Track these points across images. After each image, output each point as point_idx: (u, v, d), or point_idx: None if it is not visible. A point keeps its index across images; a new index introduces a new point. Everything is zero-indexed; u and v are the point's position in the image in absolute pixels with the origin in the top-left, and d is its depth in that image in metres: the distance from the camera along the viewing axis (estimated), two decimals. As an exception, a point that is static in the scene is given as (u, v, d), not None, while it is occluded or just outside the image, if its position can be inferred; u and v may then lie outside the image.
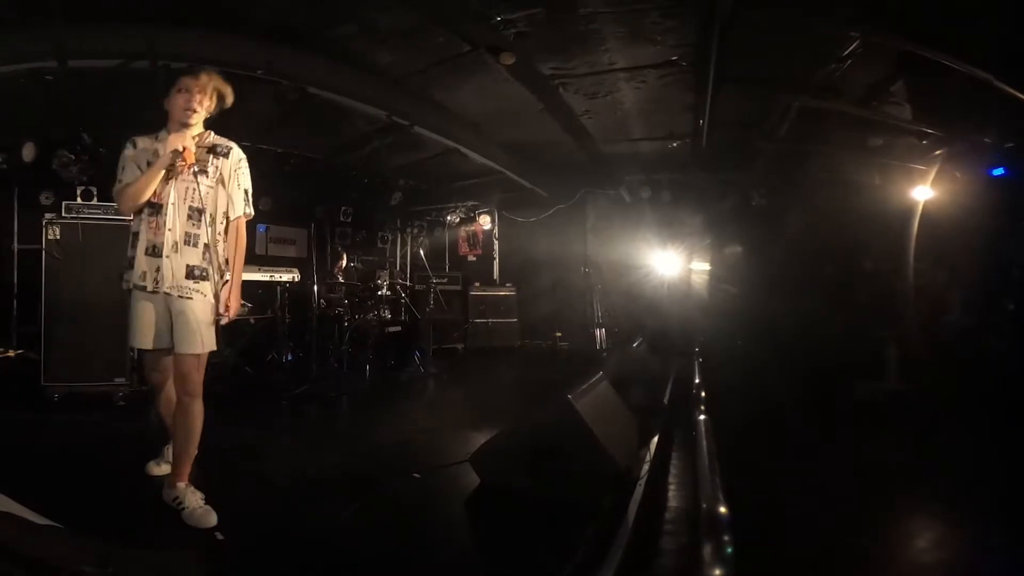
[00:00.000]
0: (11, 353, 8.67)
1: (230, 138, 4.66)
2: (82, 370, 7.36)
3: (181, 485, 4.05)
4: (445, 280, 13.67)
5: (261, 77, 7.23)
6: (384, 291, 10.33)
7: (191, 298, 4.15)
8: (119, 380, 7.41)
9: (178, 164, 4.12)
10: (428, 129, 9.36)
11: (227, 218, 4.45)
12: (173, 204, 4.14)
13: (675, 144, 11.17)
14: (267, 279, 8.74)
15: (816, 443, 6.42)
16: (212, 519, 3.82)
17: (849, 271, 10.82)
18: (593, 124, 10.14)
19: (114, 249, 7.37)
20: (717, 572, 2.08)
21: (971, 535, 4.18)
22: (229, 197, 4.45)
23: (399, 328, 11.06)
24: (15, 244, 9.13)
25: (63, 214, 7.59)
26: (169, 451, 4.56)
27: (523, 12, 6.40)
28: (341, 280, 10.26)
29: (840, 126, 8.85)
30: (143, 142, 4.26)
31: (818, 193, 11.06)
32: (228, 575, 3.28)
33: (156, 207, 4.13)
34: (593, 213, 14.69)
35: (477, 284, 14.03)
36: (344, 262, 10.61)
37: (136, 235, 4.17)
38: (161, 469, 4.69)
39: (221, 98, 4.47)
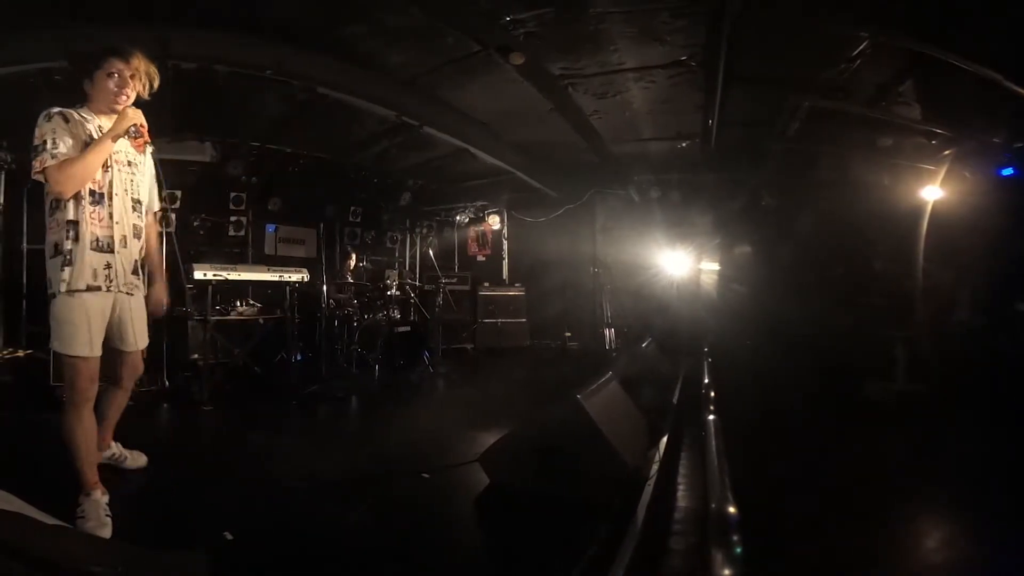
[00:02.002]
0: (20, 353, 8.70)
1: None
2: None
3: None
4: (454, 280, 13.70)
5: (271, 77, 7.26)
6: (393, 291, 10.34)
7: (133, 294, 4.13)
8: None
9: (135, 142, 4.01)
10: (437, 129, 9.39)
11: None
12: (118, 195, 3.95)
13: (684, 144, 11.16)
14: (276, 279, 8.74)
15: (825, 443, 6.40)
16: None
17: (858, 271, 10.78)
18: (602, 124, 10.14)
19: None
20: (726, 572, 2.08)
21: (981, 535, 4.17)
22: (151, 190, 4.39)
23: (408, 328, 11.05)
24: (24, 244, 9.15)
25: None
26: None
27: (532, 12, 6.40)
28: (350, 280, 10.27)
29: (849, 126, 8.83)
30: (74, 115, 3.82)
31: (827, 193, 11.05)
32: (237, 575, 3.29)
33: (98, 197, 3.86)
34: (602, 213, 14.69)
35: (486, 284, 14.05)
36: (353, 262, 10.63)
37: (74, 225, 3.77)
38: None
39: (150, 82, 4.10)
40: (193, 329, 8.57)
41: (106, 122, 3.93)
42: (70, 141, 3.71)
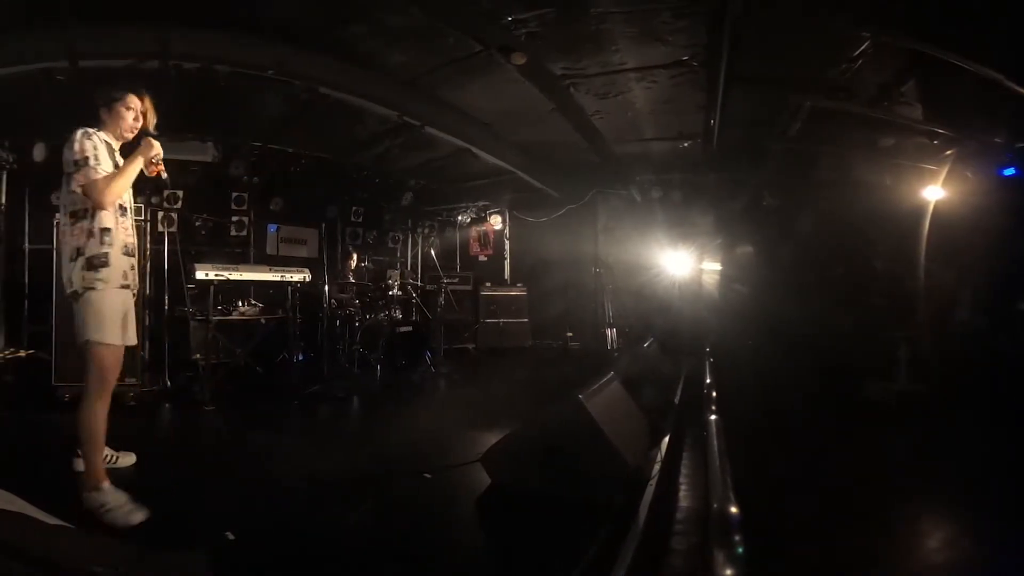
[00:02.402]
0: (22, 353, 8.71)
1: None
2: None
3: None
4: (456, 280, 13.71)
5: (272, 77, 7.26)
6: (395, 291, 10.34)
7: (135, 295, 4.61)
8: (130, 380, 7.42)
9: (151, 168, 4.53)
10: (439, 129, 9.40)
11: None
12: (129, 208, 4.55)
13: (686, 144, 11.17)
14: (278, 279, 8.72)
15: (827, 443, 6.40)
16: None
17: (860, 271, 10.78)
18: (604, 124, 10.14)
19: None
20: (728, 572, 2.08)
21: (982, 535, 4.17)
22: None
23: (410, 328, 11.06)
24: (26, 244, 9.17)
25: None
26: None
27: (534, 12, 6.41)
28: (352, 280, 10.28)
29: (851, 126, 8.83)
30: (104, 137, 4.40)
31: (829, 193, 11.05)
32: (238, 575, 3.29)
33: (123, 209, 4.46)
34: (604, 213, 14.70)
35: (488, 284, 14.06)
36: (355, 262, 10.64)
37: (107, 232, 4.25)
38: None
39: (148, 117, 4.69)
40: (195, 329, 8.59)
41: (115, 144, 4.50)
42: (108, 159, 4.31)
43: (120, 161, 4.43)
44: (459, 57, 7.59)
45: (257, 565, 3.41)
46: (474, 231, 15.77)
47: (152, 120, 4.68)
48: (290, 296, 8.96)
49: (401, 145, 10.30)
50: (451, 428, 6.74)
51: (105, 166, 4.22)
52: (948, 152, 8.51)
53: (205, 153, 9.70)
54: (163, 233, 9.79)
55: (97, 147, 4.22)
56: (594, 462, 4.20)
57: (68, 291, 4.23)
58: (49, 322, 7.44)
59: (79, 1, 6.03)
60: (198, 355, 8.34)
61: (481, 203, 14.96)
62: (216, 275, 7.95)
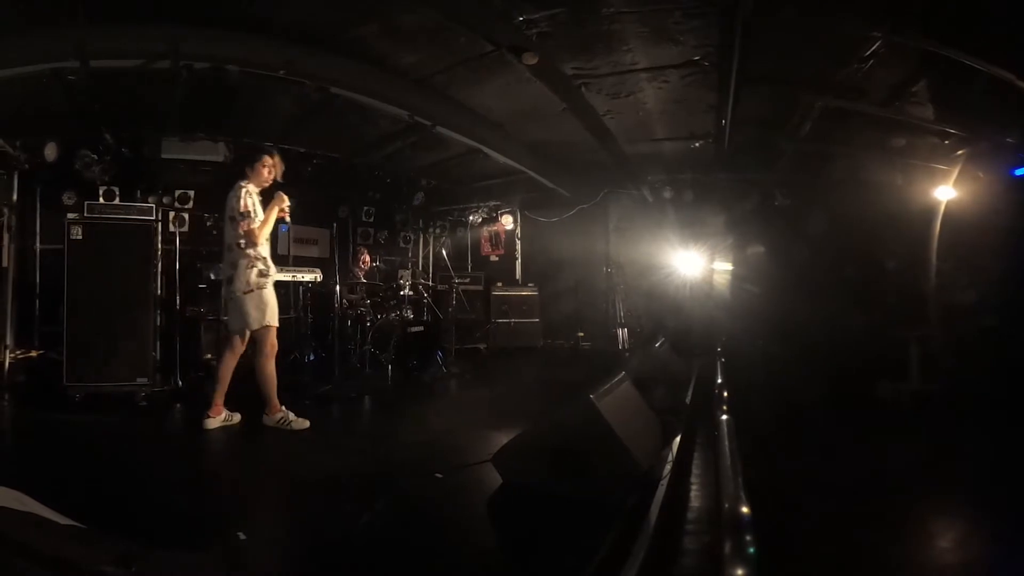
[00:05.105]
0: (33, 353, 8.75)
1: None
2: (104, 370, 7.41)
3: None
4: (467, 280, 13.69)
5: (283, 77, 7.28)
6: (406, 291, 10.36)
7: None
8: (141, 380, 7.46)
9: (281, 213, 6.45)
10: (450, 129, 9.39)
11: None
12: (268, 242, 6.43)
13: (697, 144, 11.14)
14: (289, 279, 8.73)
15: (838, 443, 6.39)
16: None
17: (872, 271, 10.74)
18: (615, 124, 10.12)
19: (136, 249, 7.44)
20: (739, 572, 2.07)
21: (994, 536, 4.15)
22: None
23: (421, 328, 11.09)
24: (37, 244, 9.20)
25: (85, 214, 7.62)
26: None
27: (545, 12, 6.40)
28: (363, 280, 10.29)
29: (863, 126, 8.82)
30: (253, 190, 6.35)
31: (840, 193, 11.02)
32: (250, 575, 3.29)
33: (267, 244, 6.40)
34: (615, 213, 14.69)
35: (499, 284, 14.05)
36: (367, 261, 10.66)
37: (264, 259, 6.29)
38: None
39: (278, 173, 6.64)
40: (206, 329, 8.61)
41: (256, 191, 6.41)
42: (259, 208, 6.29)
43: (259, 204, 6.36)
44: (470, 57, 7.59)
45: (268, 565, 3.42)
46: (485, 231, 15.75)
47: (280, 170, 6.64)
48: (301, 296, 8.99)
49: (412, 145, 10.31)
50: (462, 428, 6.75)
51: (260, 217, 6.23)
52: (960, 152, 8.50)
53: (216, 153, 9.71)
54: (174, 233, 9.81)
55: (255, 203, 6.26)
56: (605, 462, 4.20)
57: (243, 291, 6.14)
58: (60, 322, 7.45)
59: (90, 1, 6.06)
60: (209, 355, 8.36)
61: (492, 203, 14.95)
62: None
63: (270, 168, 6.52)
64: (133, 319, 7.53)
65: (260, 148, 6.80)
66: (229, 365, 6.43)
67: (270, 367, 6.32)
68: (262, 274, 6.22)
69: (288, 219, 6.62)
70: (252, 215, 6.16)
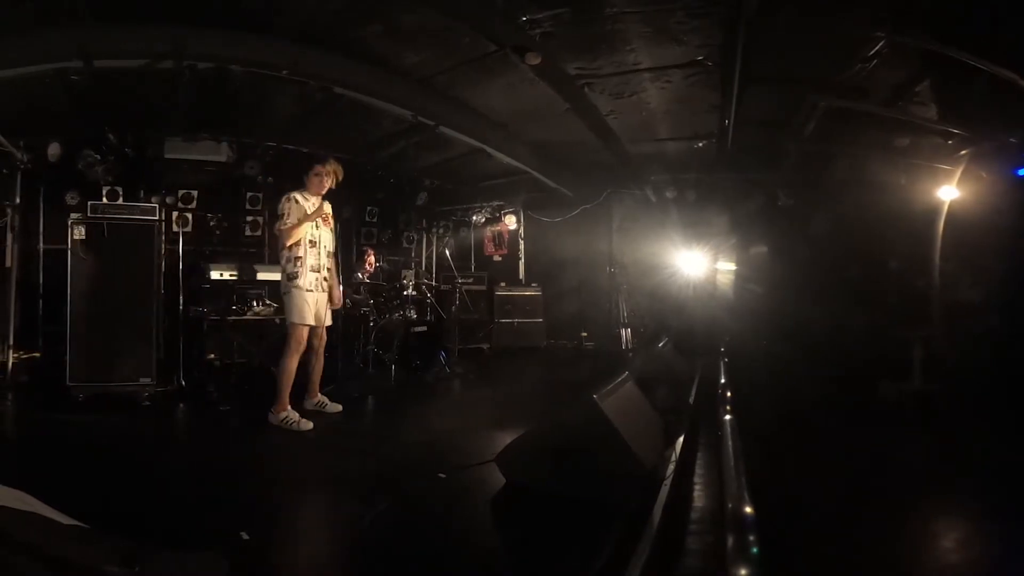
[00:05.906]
0: (36, 353, 8.76)
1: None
2: (107, 370, 7.40)
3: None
4: (471, 280, 13.68)
5: (287, 77, 7.29)
6: (410, 291, 10.36)
7: (326, 293, 6.80)
8: (144, 380, 7.45)
9: (324, 221, 6.78)
10: (454, 129, 9.40)
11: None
12: (317, 243, 6.71)
13: (701, 144, 11.14)
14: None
15: (841, 443, 6.39)
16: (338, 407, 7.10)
17: (874, 271, 10.73)
18: (619, 124, 10.13)
19: (139, 249, 7.44)
20: (743, 572, 2.07)
21: (997, 536, 4.14)
22: (331, 241, 6.98)
23: (425, 328, 11.08)
24: (40, 244, 9.21)
25: (89, 214, 7.58)
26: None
27: (549, 12, 6.42)
28: (367, 280, 10.30)
29: (866, 126, 8.81)
30: (300, 197, 6.63)
31: (844, 193, 11.02)
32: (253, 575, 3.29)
33: (312, 243, 6.65)
34: (619, 213, 14.68)
35: (503, 284, 14.03)
36: (372, 262, 10.66)
37: (301, 260, 6.56)
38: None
39: (337, 176, 6.96)
40: (209, 329, 8.61)
41: (314, 198, 6.75)
42: (296, 215, 6.51)
43: (307, 210, 6.60)
44: (474, 57, 7.60)
45: (271, 565, 3.42)
46: (489, 231, 15.73)
47: (337, 176, 6.95)
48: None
49: (416, 145, 10.31)
50: (466, 428, 6.75)
51: (292, 220, 6.47)
52: (963, 152, 8.47)
53: (219, 153, 9.71)
54: (178, 233, 9.83)
55: (292, 208, 6.52)
56: (608, 462, 4.20)
57: (282, 290, 6.68)
58: (63, 322, 7.44)
59: (94, 1, 6.06)
60: (212, 355, 8.37)
61: (495, 203, 14.95)
62: (231, 275, 7.98)
63: (322, 176, 6.78)
64: (136, 319, 7.52)
65: (312, 156, 7.52)
66: (293, 361, 6.60)
67: (290, 363, 6.51)
68: (291, 277, 6.53)
69: (329, 225, 6.88)
70: (284, 218, 6.50)
